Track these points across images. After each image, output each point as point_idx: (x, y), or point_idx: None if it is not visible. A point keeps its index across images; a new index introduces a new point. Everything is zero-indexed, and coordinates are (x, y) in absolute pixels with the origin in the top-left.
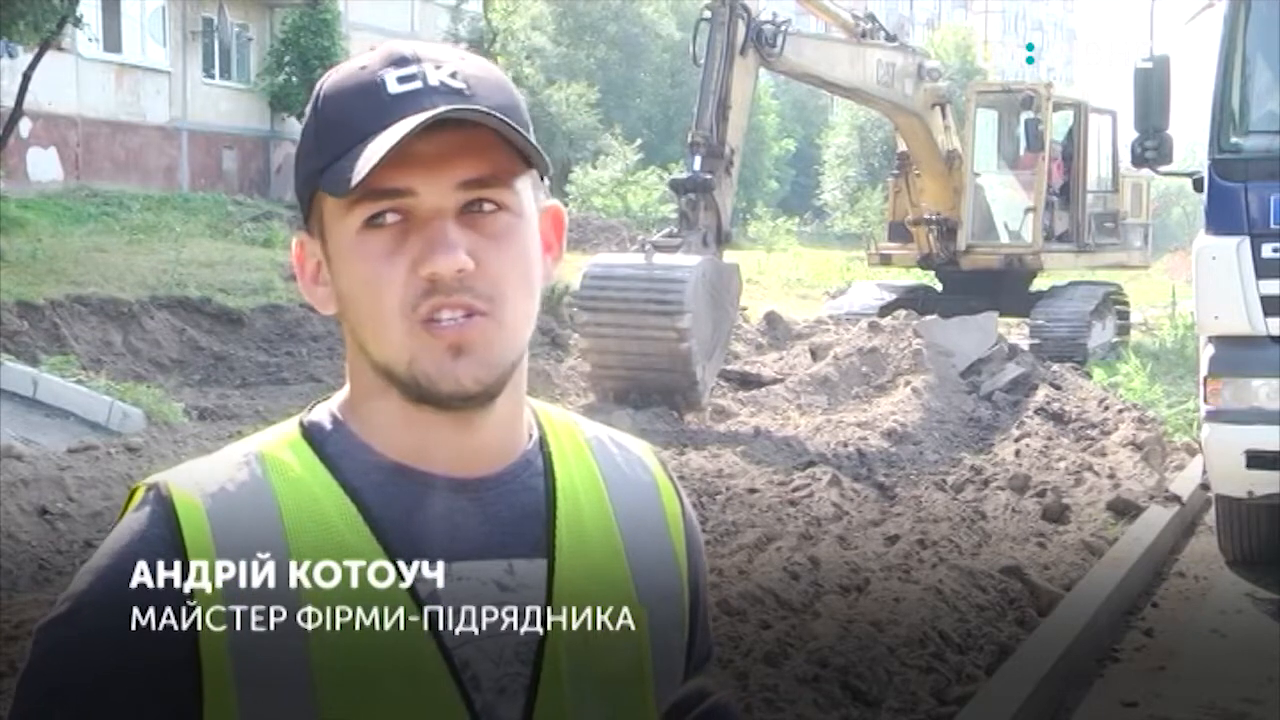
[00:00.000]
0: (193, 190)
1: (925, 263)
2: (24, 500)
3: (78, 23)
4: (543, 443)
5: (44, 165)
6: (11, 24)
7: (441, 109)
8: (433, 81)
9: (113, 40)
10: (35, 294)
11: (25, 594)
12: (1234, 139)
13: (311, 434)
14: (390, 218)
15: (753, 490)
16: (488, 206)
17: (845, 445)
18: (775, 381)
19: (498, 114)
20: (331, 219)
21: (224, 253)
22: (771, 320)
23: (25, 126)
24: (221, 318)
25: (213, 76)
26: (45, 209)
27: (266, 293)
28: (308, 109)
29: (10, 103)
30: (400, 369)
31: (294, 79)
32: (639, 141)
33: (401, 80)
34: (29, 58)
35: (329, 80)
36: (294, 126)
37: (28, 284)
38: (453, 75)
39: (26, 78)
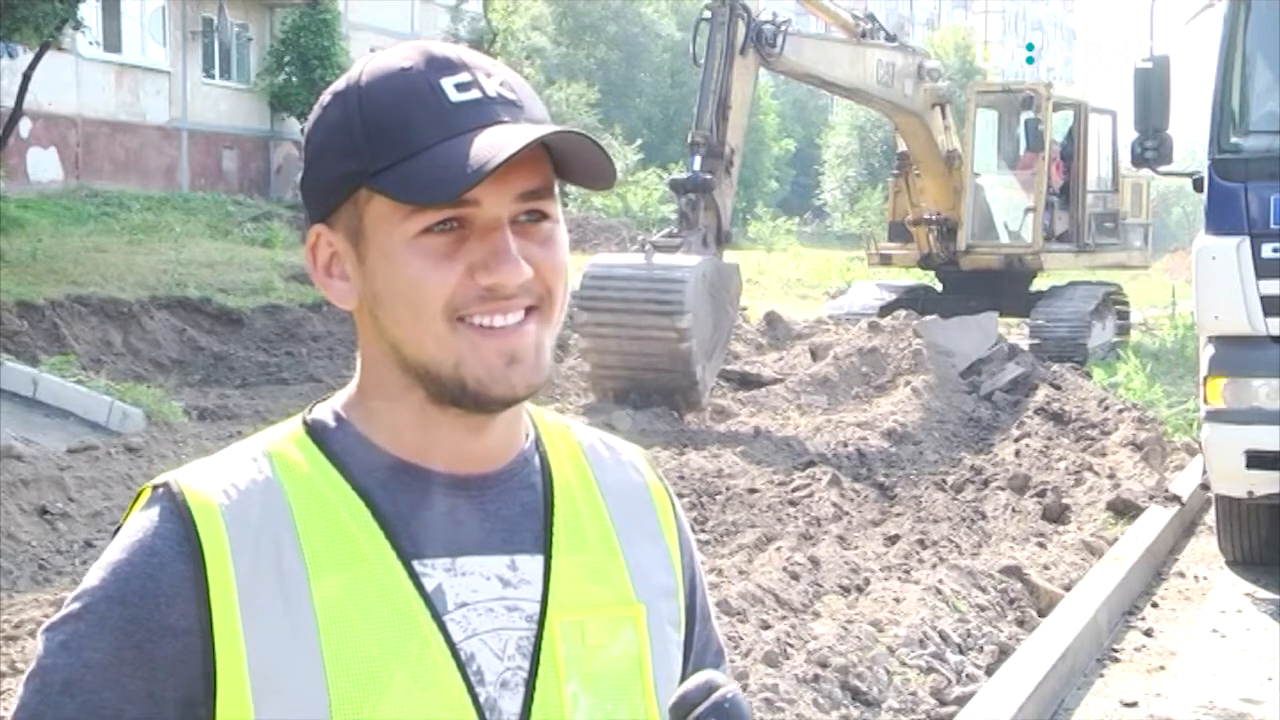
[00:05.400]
0: (193, 190)
1: (925, 263)
2: (24, 500)
3: (78, 26)
4: (538, 442)
5: (44, 165)
6: (15, 29)
7: (551, 127)
8: (490, 91)
9: (113, 40)
10: (35, 294)
11: (25, 594)
12: (1234, 139)
13: (316, 432)
14: (449, 224)
15: (753, 490)
16: (536, 216)
17: (845, 445)
18: (775, 381)
19: (583, 131)
20: (380, 220)
21: (224, 253)
22: (771, 320)
23: (25, 126)
24: (221, 318)
25: (213, 76)
26: (45, 209)
27: (266, 293)
28: (335, 105)
29: (10, 103)
30: (445, 370)
31: (294, 79)
32: (639, 141)
33: (460, 88)
34: (29, 58)
35: (368, 78)
36: (294, 126)
37: (28, 284)
38: (503, 85)
39: (26, 78)
